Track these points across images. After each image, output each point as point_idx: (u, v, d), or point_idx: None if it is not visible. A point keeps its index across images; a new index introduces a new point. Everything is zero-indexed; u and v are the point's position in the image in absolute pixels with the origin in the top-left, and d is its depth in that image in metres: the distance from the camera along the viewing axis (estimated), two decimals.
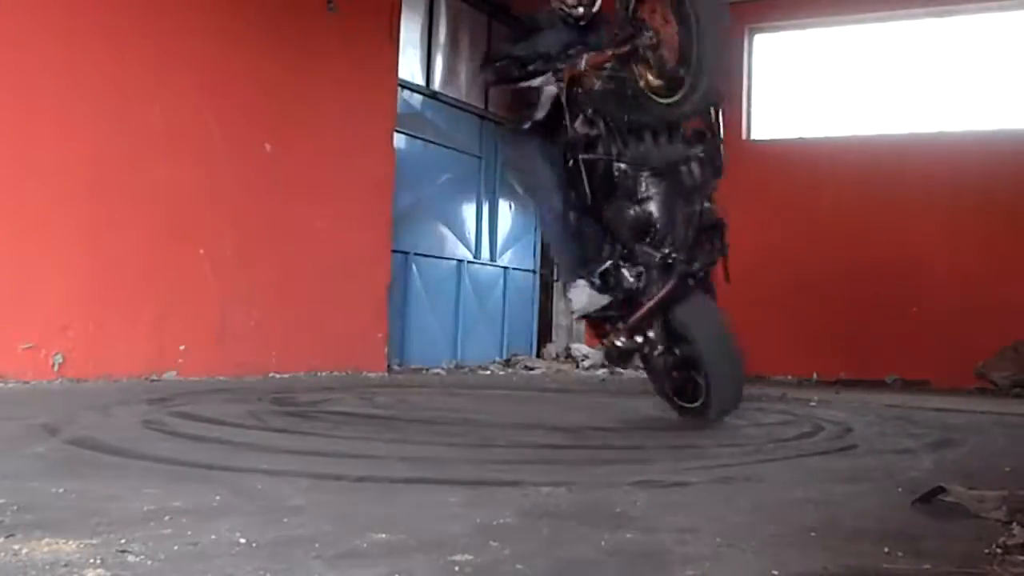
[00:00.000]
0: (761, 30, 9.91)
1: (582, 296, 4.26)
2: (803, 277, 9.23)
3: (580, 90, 4.18)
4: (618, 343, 4.29)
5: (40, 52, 5.10)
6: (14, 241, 4.95)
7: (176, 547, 1.61)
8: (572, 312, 4.58)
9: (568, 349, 9.76)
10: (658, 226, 4.17)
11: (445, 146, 8.81)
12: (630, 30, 4.02)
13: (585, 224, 4.38)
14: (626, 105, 4.12)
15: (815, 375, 8.92)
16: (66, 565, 1.46)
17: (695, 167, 4.18)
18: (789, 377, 8.88)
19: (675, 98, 3.89)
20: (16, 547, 1.56)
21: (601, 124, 4.18)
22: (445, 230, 8.85)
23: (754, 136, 9.85)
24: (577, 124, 4.21)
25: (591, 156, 4.15)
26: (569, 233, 4.42)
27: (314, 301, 6.74)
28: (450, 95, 8.83)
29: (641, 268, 4.20)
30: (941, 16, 9.20)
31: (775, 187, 9.44)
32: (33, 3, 5.09)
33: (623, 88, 4.11)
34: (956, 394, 7.39)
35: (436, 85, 8.68)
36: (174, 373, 5.70)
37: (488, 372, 8.28)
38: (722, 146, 4.25)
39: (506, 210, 9.65)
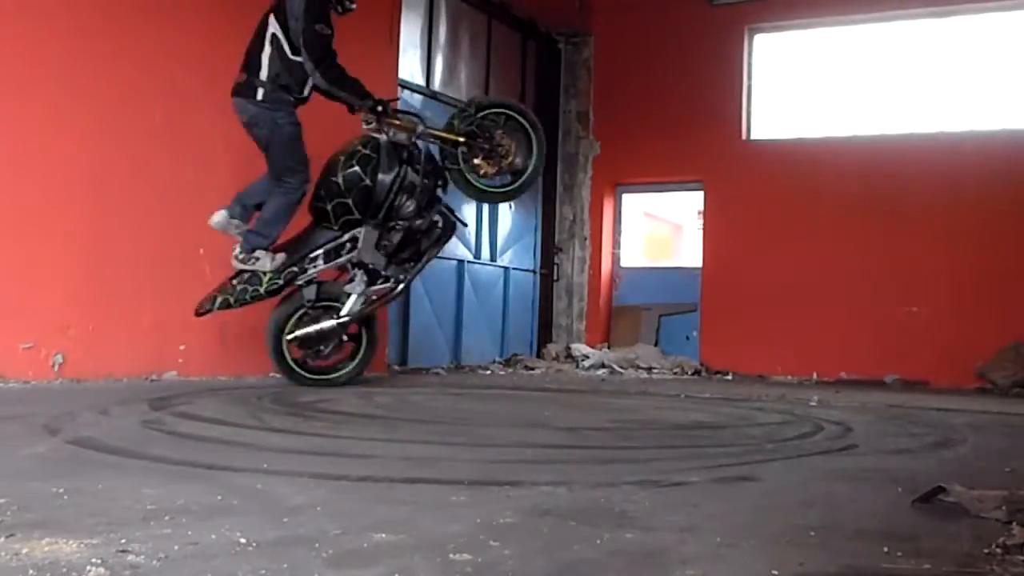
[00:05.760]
0: (761, 30, 9.91)
1: (269, 260, 5.40)
2: (803, 277, 9.24)
3: (392, 135, 5.59)
4: (335, 323, 5.55)
5: (40, 52, 5.10)
6: (14, 241, 4.95)
7: (176, 547, 1.61)
8: (250, 265, 5.42)
9: (568, 349, 9.76)
10: (419, 257, 5.83)
11: None
12: (489, 135, 5.81)
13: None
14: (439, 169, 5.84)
15: (815, 375, 8.92)
16: (66, 565, 1.47)
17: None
18: (789, 377, 8.89)
19: (502, 189, 6.05)
20: (16, 547, 1.56)
21: (433, 176, 5.78)
22: None
23: (754, 136, 9.85)
24: (411, 170, 5.64)
25: (431, 200, 5.76)
26: (293, 212, 5.51)
27: None
28: (450, 95, 8.83)
29: (384, 278, 5.71)
30: (941, 16, 9.21)
31: (775, 187, 9.44)
32: (33, 4, 5.09)
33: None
34: (956, 394, 7.40)
35: (436, 85, 8.68)
36: (174, 373, 5.70)
37: (488, 372, 8.29)
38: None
39: (506, 210, 9.65)
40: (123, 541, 1.62)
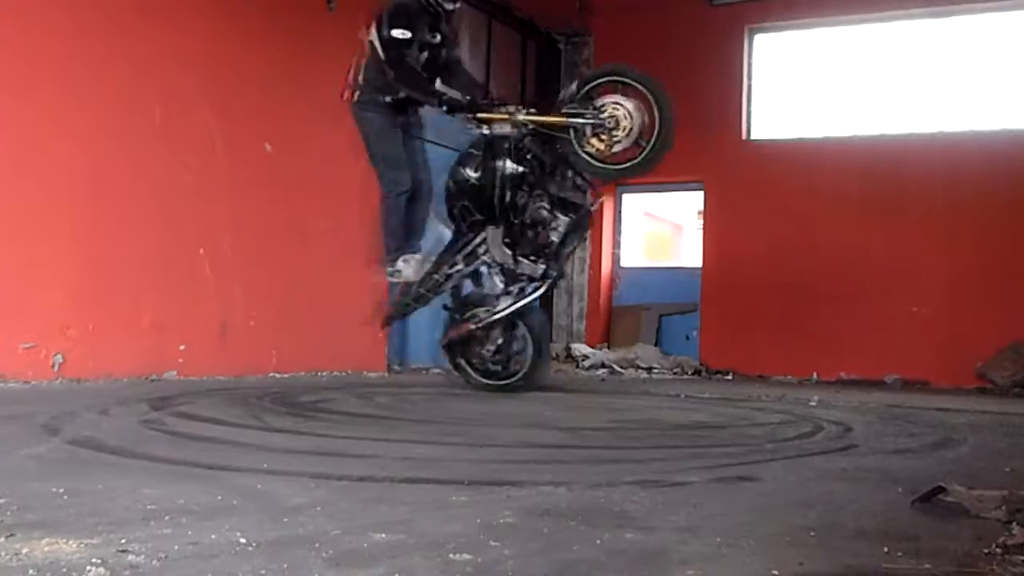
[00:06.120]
0: (761, 30, 9.91)
1: (413, 266, 5.50)
2: (803, 277, 9.24)
3: (495, 129, 5.35)
4: (472, 327, 5.47)
5: (40, 52, 5.10)
6: (14, 241, 4.95)
7: (176, 547, 1.61)
8: (400, 277, 5.59)
9: (568, 349, 9.76)
10: (551, 249, 5.44)
11: (445, 146, 8.78)
12: (592, 108, 5.18)
13: (416, 211, 5.65)
14: (554, 155, 5.36)
15: (815, 375, 8.92)
16: (66, 565, 1.46)
17: (592, 213, 5.72)
18: (789, 377, 8.88)
19: (621, 166, 5.29)
20: (16, 547, 1.56)
21: (534, 164, 5.33)
22: (445, 230, 8.82)
23: (754, 136, 9.85)
24: (509, 161, 5.33)
25: (525, 187, 5.34)
26: (405, 213, 5.50)
27: (314, 301, 6.74)
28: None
29: (521, 277, 5.43)
30: (941, 16, 9.21)
31: (775, 187, 9.44)
32: (33, 4, 5.09)
33: (551, 142, 5.32)
34: (956, 394, 7.39)
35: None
36: (174, 373, 5.70)
37: None
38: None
39: None
40: (123, 541, 1.62)
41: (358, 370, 6.97)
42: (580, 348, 9.58)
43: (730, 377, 8.94)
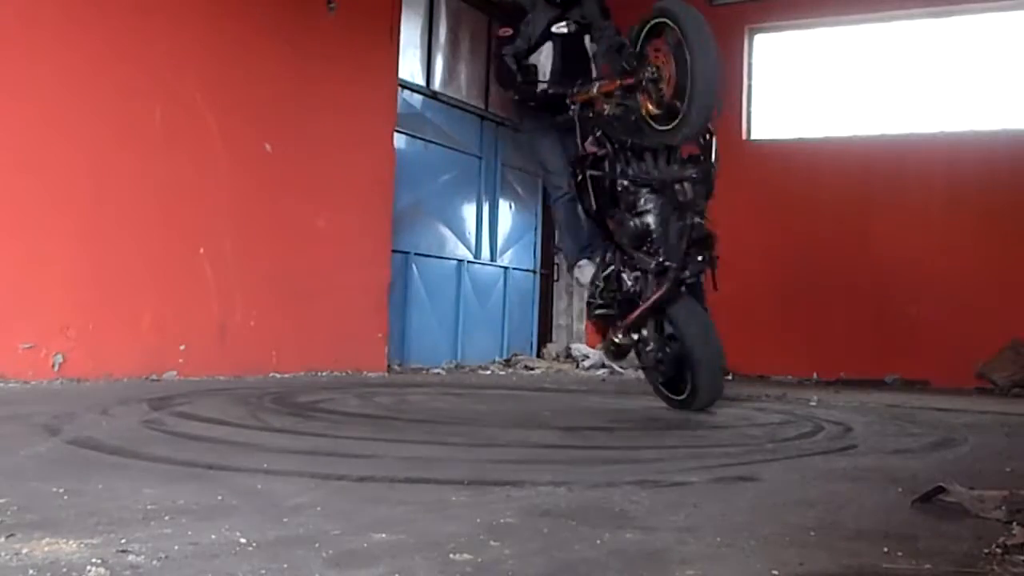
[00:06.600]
0: (761, 30, 9.91)
1: (587, 273, 4.97)
2: (803, 277, 9.24)
3: (591, 113, 4.74)
4: (616, 340, 4.81)
5: (40, 52, 5.10)
6: (14, 241, 4.95)
7: (176, 547, 1.61)
8: (580, 285, 5.27)
9: (568, 349, 9.76)
10: (654, 236, 4.65)
11: (445, 146, 8.82)
12: (635, 63, 4.52)
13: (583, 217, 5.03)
14: (630, 129, 4.64)
15: (815, 375, 8.92)
16: (66, 565, 1.47)
17: (688, 186, 4.65)
18: (789, 377, 8.88)
19: (670, 126, 4.38)
20: (16, 547, 1.56)
21: (608, 144, 4.69)
22: (445, 230, 8.85)
23: (754, 136, 9.85)
24: (587, 143, 4.75)
25: (597, 173, 4.69)
26: (573, 217, 5.04)
27: (314, 301, 6.74)
28: (450, 95, 8.84)
29: (638, 273, 4.69)
30: (941, 16, 9.21)
31: (775, 187, 9.44)
32: (33, 3, 5.08)
33: (628, 114, 4.62)
34: (956, 394, 7.39)
35: (436, 85, 8.69)
36: (174, 373, 5.69)
37: (488, 372, 8.28)
38: (714, 168, 4.70)
39: (506, 210, 9.66)
40: (123, 541, 1.62)
41: (358, 370, 6.97)
42: (580, 348, 9.58)
43: (730, 377, 8.93)
